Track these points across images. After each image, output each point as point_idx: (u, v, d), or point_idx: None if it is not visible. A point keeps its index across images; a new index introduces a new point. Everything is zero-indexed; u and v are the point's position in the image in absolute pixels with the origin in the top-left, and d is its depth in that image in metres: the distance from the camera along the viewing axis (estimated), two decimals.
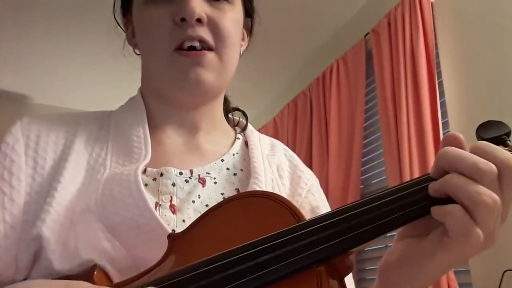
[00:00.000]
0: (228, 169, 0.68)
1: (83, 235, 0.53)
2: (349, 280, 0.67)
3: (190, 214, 0.60)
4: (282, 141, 0.81)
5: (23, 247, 0.55)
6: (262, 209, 0.49)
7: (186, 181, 0.63)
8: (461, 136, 0.46)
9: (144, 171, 0.61)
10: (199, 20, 0.61)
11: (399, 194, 0.44)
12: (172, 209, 0.59)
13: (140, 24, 0.67)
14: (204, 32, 0.62)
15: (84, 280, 0.49)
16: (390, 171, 1.97)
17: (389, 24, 2.12)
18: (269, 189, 0.65)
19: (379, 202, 0.44)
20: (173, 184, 0.62)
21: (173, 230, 0.57)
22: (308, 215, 0.68)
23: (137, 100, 0.71)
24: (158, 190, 0.61)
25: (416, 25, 1.92)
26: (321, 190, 0.75)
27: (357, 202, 0.46)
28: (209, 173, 0.66)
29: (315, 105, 2.71)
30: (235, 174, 0.68)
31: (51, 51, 3.00)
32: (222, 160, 0.68)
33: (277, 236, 0.44)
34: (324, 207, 0.71)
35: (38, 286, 0.45)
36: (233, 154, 0.71)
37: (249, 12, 0.73)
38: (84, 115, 0.70)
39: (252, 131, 0.76)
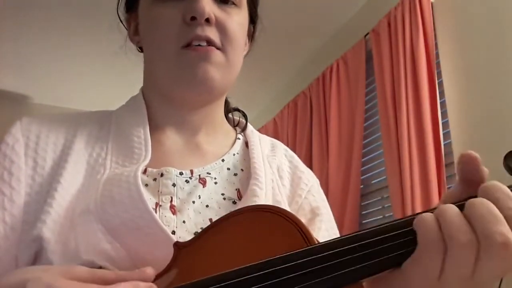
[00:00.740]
0: (228, 169, 0.68)
1: (83, 236, 0.53)
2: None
3: (190, 215, 0.60)
4: (282, 141, 0.81)
5: (23, 248, 0.55)
6: (271, 226, 0.48)
7: (187, 181, 0.63)
8: (478, 156, 0.45)
9: (145, 171, 0.61)
10: (208, 20, 0.62)
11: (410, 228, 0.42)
12: (172, 210, 0.59)
13: (147, 21, 0.66)
14: (211, 32, 0.63)
15: None
16: (390, 171, 1.97)
17: (389, 24, 2.12)
18: (269, 190, 0.65)
19: (381, 237, 0.42)
20: (174, 185, 0.62)
21: (173, 232, 0.57)
22: (308, 216, 0.68)
23: (138, 100, 0.71)
24: (159, 191, 0.61)
25: (416, 25, 1.92)
26: (321, 191, 0.75)
27: (368, 231, 0.43)
28: (209, 173, 0.65)
29: (315, 105, 2.71)
30: (235, 174, 0.68)
31: (51, 51, 3.00)
32: (223, 160, 0.68)
33: (287, 258, 0.42)
34: (324, 208, 0.71)
35: (34, 272, 0.45)
36: (234, 154, 0.70)
37: (253, 18, 0.74)
38: (84, 115, 0.70)
39: (252, 131, 0.76)
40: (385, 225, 0.43)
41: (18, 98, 3.55)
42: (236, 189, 0.66)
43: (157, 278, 0.49)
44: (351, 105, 2.39)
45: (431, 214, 0.41)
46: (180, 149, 0.68)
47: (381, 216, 2.22)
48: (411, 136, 1.86)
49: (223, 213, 0.61)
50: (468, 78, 1.76)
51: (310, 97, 2.80)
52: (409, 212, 1.78)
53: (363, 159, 2.30)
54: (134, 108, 0.70)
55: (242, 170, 0.69)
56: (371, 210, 2.30)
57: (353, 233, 0.43)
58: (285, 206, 0.66)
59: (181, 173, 0.63)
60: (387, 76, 2.07)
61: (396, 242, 0.41)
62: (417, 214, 0.42)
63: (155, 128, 0.68)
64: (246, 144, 0.74)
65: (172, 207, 0.60)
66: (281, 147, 0.77)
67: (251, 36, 0.76)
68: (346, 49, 2.49)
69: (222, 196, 0.64)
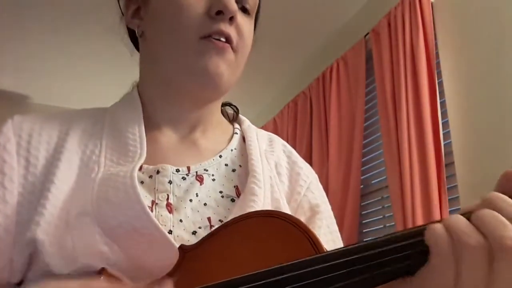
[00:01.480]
0: (226, 165, 0.67)
1: (80, 238, 0.52)
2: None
3: (188, 214, 0.59)
4: None
5: (17, 250, 0.54)
6: (280, 232, 0.47)
7: (183, 178, 0.62)
8: None
9: (140, 168, 0.60)
10: (231, 19, 0.62)
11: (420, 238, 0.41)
12: (169, 208, 0.58)
13: (165, 6, 0.64)
14: (232, 31, 0.63)
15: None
16: (390, 171, 1.97)
17: (389, 24, 2.12)
18: (268, 188, 0.64)
19: (390, 247, 0.41)
20: (170, 182, 0.61)
21: (170, 231, 0.56)
22: (307, 214, 0.67)
23: (133, 97, 0.70)
24: (155, 188, 0.60)
25: (416, 25, 1.91)
26: (320, 187, 0.74)
27: (374, 241, 0.43)
28: (206, 170, 0.65)
29: (315, 105, 2.71)
30: (233, 170, 0.67)
31: (51, 51, 3.00)
32: (220, 156, 0.67)
33: (298, 265, 0.41)
34: (324, 204, 0.70)
35: None
36: (231, 150, 0.69)
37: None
38: (78, 112, 0.69)
39: (249, 126, 0.75)
40: (394, 234, 0.42)
41: (17, 98, 3.55)
42: (235, 186, 0.65)
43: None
44: (351, 105, 2.38)
45: (440, 224, 0.41)
46: (176, 146, 0.67)
47: (381, 216, 2.22)
48: (411, 136, 1.85)
49: (221, 211, 0.61)
50: (468, 78, 1.76)
51: (310, 97, 2.80)
52: (409, 212, 1.78)
53: (363, 159, 2.30)
54: (128, 105, 0.69)
55: (240, 166, 0.68)
56: (371, 210, 2.30)
57: (362, 242, 0.43)
58: (283, 203, 0.65)
59: (177, 170, 0.62)
60: (387, 76, 2.07)
61: (407, 252, 0.41)
62: (426, 225, 0.42)
63: (150, 124, 0.67)
64: (244, 139, 0.73)
65: (168, 205, 0.59)
66: (279, 142, 0.76)
67: None
68: (346, 49, 2.49)
69: (220, 194, 0.63)
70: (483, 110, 1.68)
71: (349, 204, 2.23)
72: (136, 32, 0.69)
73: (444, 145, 1.80)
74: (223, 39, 0.62)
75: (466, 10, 1.81)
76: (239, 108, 0.80)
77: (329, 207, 0.72)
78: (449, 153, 1.81)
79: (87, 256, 0.51)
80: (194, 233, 0.58)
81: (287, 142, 0.79)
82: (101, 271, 0.51)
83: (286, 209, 0.65)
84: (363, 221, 2.32)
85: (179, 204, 0.59)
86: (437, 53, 1.90)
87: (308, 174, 0.73)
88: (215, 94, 0.68)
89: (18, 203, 0.56)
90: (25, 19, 2.66)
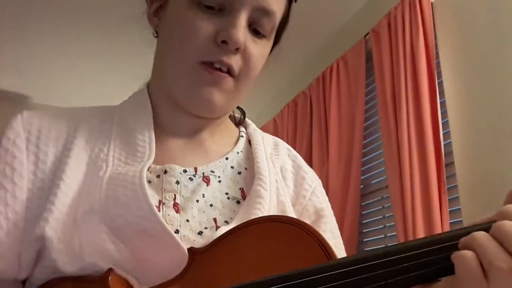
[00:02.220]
0: (232, 167, 0.67)
1: (87, 236, 0.52)
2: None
3: (194, 214, 0.59)
4: None
5: (26, 246, 0.54)
6: (293, 239, 0.47)
7: (190, 179, 0.63)
8: None
9: (148, 168, 0.61)
10: (237, 49, 0.61)
11: (429, 248, 0.41)
12: (176, 208, 0.59)
13: (176, 22, 0.63)
14: (235, 61, 0.61)
15: (99, 284, 0.49)
16: (390, 171, 1.97)
17: (389, 24, 2.12)
18: (273, 191, 0.64)
19: (409, 254, 0.41)
20: (177, 182, 0.61)
21: (177, 230, 0.57)
22: (312, 217, 0.68)
23: (143, 95, 0.69)
24: (162, 188, 0.60)
25: (416, 25, 1.91)
26: (324, 192, 0.75)
27: (382, 251, 0.42)
28: (213, 171, 0.65)
29: (315, 105, 2.71)
30: (239, 173, 0.67)
31: (51, 51, 3.00)
32: (227, 158, 0.68)
33: (307, 272, 0.40)
34: (328, 209, 0.71)
35: None
36: (238, 152, 0.70)
37: (275, 43, 0.72)
38: (86, 109, 0.69)
39: (255, 129, 0.75)
40: (414, 246, 0.41)
41: (18, 98, 3.55)
42: (240, 188, 0.65)
43: (169, 285, 0.48)
44: (351, 105, 2.38)
45: (470, 252, 0.39)
46: (184, 147, 0.67)
47: (381, 216, 2.22)
48: (411, 136, 1.85)
49: (227, 212, 0.61)
50: (468, 78, 1.76)
51: (310, 97, 2.80)
52: (409, 212, 1.78)
53: (363, 159, 2.30)
54: (138, 104, 0.69)
55: (246, 168, 0.68)
56: (371, 210, 2.30)
57: (382, 247, 0.42)
58: (289, 206, 0.65)
59: (185, 171, 0.63)
60: (387, 76, 2.07)
61: (430, 265, 0.40)
62: (446, 233, 0.41)
63: (159, 124, 0.67)
64: (249, 142, 0.73)
65: (175, 205, 0.59)
66: (284, 146, 0.76)
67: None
68: (346, 49, 2.49)
69: (226, 196, 0.63)
70: (483, 110, 1.67)
71: (349, 204, 2.23)
72: (153, 31, 0.69)
73: (444, 145, 1.80)
74: (224, 69, 0.61)
75: (466, 10, 1.81)
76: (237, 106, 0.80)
77: (332, 212, 0.72)
78: (449, 153, 1.81)
79: (93, 254, 0.52)
80: (200, 233, 0.58)
81: (287, 142, 0.80)
82: (109, 272, 0.51)
83: (292, 212, 0.66)
84: (363, 221, 2.32)
85: (186, 205, 0.60)
86: (437, 53, 1.90)
87: (313, 179, 0.73)
88: (212, 117, 0.68)
89: (27, 199, 0.57)
90: (25, 19, 2.66)
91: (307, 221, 0.67)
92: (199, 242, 0.57)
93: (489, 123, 1.64)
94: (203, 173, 0.64)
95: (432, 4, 1.95)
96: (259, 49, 0.64)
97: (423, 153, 1.80)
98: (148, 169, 0.60)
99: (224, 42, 0.59)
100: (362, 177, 2.30)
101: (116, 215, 0.53)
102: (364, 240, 2.31)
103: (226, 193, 0.64)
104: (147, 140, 0.63)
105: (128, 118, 0.66)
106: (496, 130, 1.61)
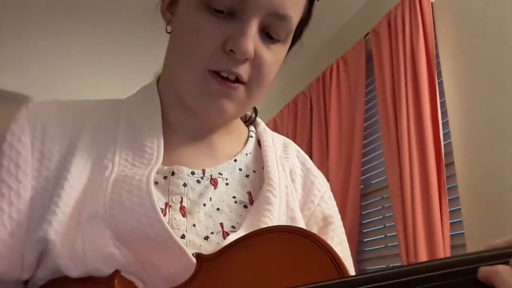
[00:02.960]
0: (240, 169, 0.66)
1: (90, 241, 0.51)
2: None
3: (201, 218, 0.58)
4: None
5: (28, 248, 0.53)
6: (303, 251, 0.45)
7: (198, 181, 0.61)
8: None
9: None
10: (246, 59, 0.57)
11: (446, 271, 0.40)
12: (183, 212, 0.57)
13: (185, 24, 0.59)
14: (243, 69, 0.58)
15: (105, 285, 0.48)
16: (390, 171, 1.97)
17: (389, 24, 2.12)
18: (283, 197, 0.63)
19: (423, 276, 0.39)
20: (184, 185, 0.59)
21: (183, 235, 0.55)
22: (320, 224, 0.67)
23: (152, 92, 0.66)
24: (169, 190, 0.59)
25: (416, 25, 1.91)
26: (332, 196, 0.73)
27: (397, 271, 0.41)
28: (221, 174, 0.63)
29: (315, 105, 2.71)
30: (247, 176, 0.65)
31: (51, 51, 3.00)
32: (235, 160, 0.66)
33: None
34: (336, 214, 0.70)
35: None
36: (246, 154, 0.68)
37: (294, 41, 0.68)
38: (93, 103, 0.66)
39: (265, 129, 0.73)
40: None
41: (18, 98, 3.55)
42: (248, 192, 0.63)
43: None
44: (351, 105, 2.38)
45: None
46: (192, 147, 0.65)
47: (381, 216, 2.22)
48: (411, 136, 1.85)
49: (234, 217, 0.60)
50: (468, 78, 1.76)
51: (310, 97, 2.80)
52: (409, 212, 1.78)
53: (363, 159, 2.30)
54: (146, 100, 0.66)
55: (254, 171, 0.66)
56: (371, 210, 2.30)
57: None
58: (297, 213, 0.64)
59: (192, 173, 0.61)
60: (387, 76, 2.07)
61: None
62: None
63: (167, 123, 0.64)
64: (258, 142, 0.71)
65: (182, 209, 0.57)
66: (293, 147, 0.74)
67: None
68: (346, 49, 2.48)
69: (234, 199, 0.62)
70: (483, 110, 1.67)
71: (349, 204, 2.23)
72: (166, 27, 0.65)
73: (444, 145, 1.80)
74: (231, 78, 0.58)
75: (466, 10, 1.81)
76: None
77: (339, 216, 0.71)
78: (449, 153, 1.81)
79: (95, 260, 0.50)
80: (206, 238, 0.57)
81: None
82: (115, 275, 0.50)
83: (300, 219, 0.64)
84: (363, 221, 2.32)
85: (193, 208, 0.58)
86: (437, 53, 1.90)
87: (322, 183, 0.72)
88: (222, 122, 0.66)
89: (31, 198, 0.55)
90: (25, 20, 2.66)
91: (315, 227, 0.67)
92: (205, 247, 0.55)
93: (489, 123, 1.64)
94: (211, 175, 0.62)
95: (432, 4, 1.95)
96: (272, 55, 0.60)
97: (423, 153, 1.80)
98: None
99: (231, 51, 0.56)
100: (362, 177, 2.30)
101: (121, 221, 0.52)
102: (364, 240, 2.31)
103: (234, 197, 0.62)
104: (155, 141, 0.61)
105: (135, 116, 0.64)
106: (496, 130, 1.61)
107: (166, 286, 0.51)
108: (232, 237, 0.54)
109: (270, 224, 0.57)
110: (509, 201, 1.51)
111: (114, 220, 0.52)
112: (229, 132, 0.69)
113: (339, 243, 0.67)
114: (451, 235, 1.71)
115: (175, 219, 0.56)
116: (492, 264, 0.39)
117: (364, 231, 2.32)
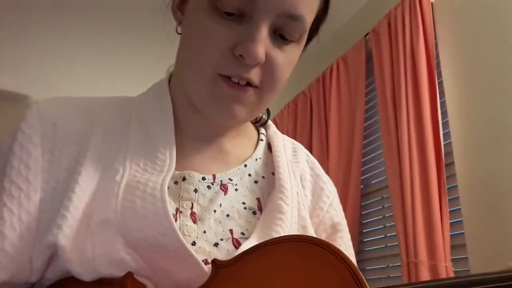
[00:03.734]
0: (250, 175, 0.65)
1: (100, 247, 0.50)
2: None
3: (211, 225, 0.57)
4: None
5: (37, 252, 0.52)
6: (321, 262, 0.44)
7: (208, 187, 0.60)
8: None
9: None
10: (257, 63, 0.56)
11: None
12: (193, 218, 0.57)
13: (194, 26, 0.58)
14: (254, 73, 0.56)
15: (117, 287, 0.48)
16: (390, 171, 1.97)
17: (389, 24, 2.12)
18: (295, 205, 0.62)
19: None
20: (195, 190, 0.59)
21: (194, 242, 0.55)
22: (328, 231, 0.67)
23: (164, 91, 0.65)
24: (179, 195, 0.58)
25: (416, 25, 1.91)
26: (339, 202, 0.73)
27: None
28: (231, 179, 0.62)
29: (315, 105, 2.71)
30: (256, 182, 0.65)
31: (51, 51, 3.00)
32: (245, 166, 0.65)
33: None
34: (343, 220, 0.70)
35: None
36: (256, 159, 0.67)
37: (311, 35, 0.66)
38: (102, 101, 0.64)
39: (275, 132, 0.72)
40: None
41: (18, 98, 3.55)
42: (257, 198, 0.63)
43: None
44: (351, 105, 2.38)
45: None
46: (203, 151, 0.64)
47: (381, 216, 2.22)
48: (411, 136, 1.85)
49: (243, 223, 0.59)
50: (468, 78, 1.76)
51: (310, 97, 2.80)
52: (409, 212, 1.78)
53: (363, 159, 2.30)
54: (158, 101, 0.64)
55: (263, 177, 0.65)
56: (371, 210, 2.30)
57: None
58: (308, 221, 0.64)
59: (203, 178, 0.60)
60: (387, 76, 2.07)
61: None
62: None
63: (177, 126, 0.63)
64: (269, 145, 0.70)
65: (192, 215, 0.57)
66: (302, 152, 0.73)
67: None
68: (346, 49, 2.48)
69: (243, 205, 0.61)
70: (483, 110, 1.67)
71: (349, 204, 2.23)
72: (176, 27, 0.63)
73: (444, 145, 1.80)
74: (242, 82, 0.56)
75: (466, 10, 1.81)
76: None
77: (346, 222, 0.71)
78: (449, 153, 1.81)
79: (106, 265, 0.49)
80: (216, 245, 0.56)
81: None
82: (127, 277, 0.49)
83: (311, 227, 0.64)
84: (363, 221, 2.32)
85: (203, 215, 0.57)
86: (437, 53, 1.90)
87: (331, 190, 0.71)
88: (233, 125, 0.65)
89: (41, 200, 0.54)
90: (25, 20, 2.66)
91: (323, 234, 0.66)
92: (215, 254, 0.55)
93: (489, 123, 1.64)
94: (221, 181, 0.61)
95: (432, 4, 1.95)
96: (285, 56, 0.58)
97: (423, 153, 1.80)
98: None
99: (241, 56, 0.54)
100: (362, 177, 2.30)
101: (133, 228, 0.51)
102: (364, 240, 2.31)
103: (243, 203, 0.61)
104: (168, 147, 0.59)
105: (147, 118, 0.62)
106: (496, 130, 1.61)
107: None
108: (246, 245, 0.53)
109: (282, 233, 0.56)
110: (509, 201, 1.51)
111: (126, 227, 0.51)
112: (239, 134, 0.68)
113: (345, 249, 0.67)
114: (451, 235, 1.71)
115: (186, 225, 0.56)
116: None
117: (364, 231, 2.32)
